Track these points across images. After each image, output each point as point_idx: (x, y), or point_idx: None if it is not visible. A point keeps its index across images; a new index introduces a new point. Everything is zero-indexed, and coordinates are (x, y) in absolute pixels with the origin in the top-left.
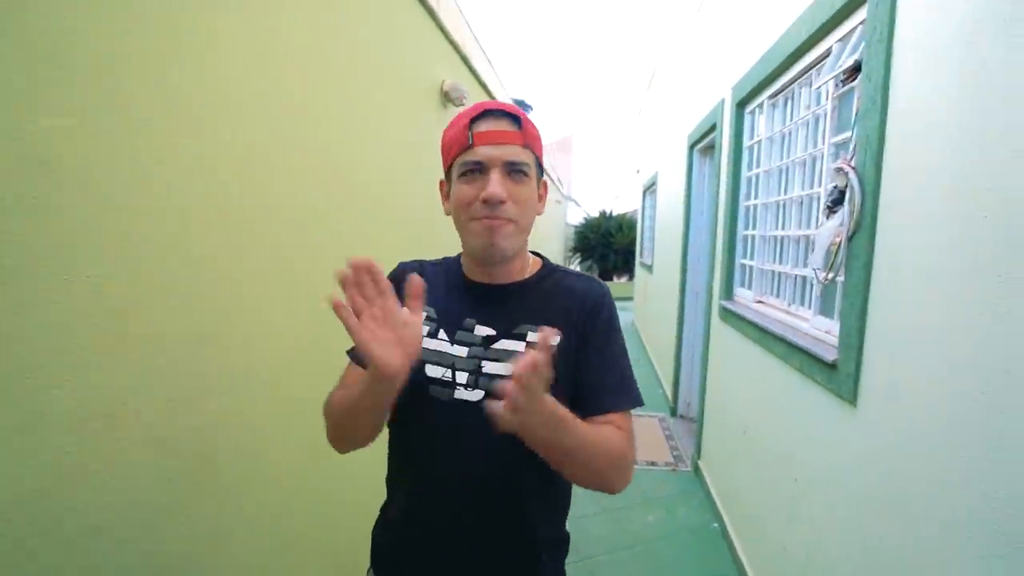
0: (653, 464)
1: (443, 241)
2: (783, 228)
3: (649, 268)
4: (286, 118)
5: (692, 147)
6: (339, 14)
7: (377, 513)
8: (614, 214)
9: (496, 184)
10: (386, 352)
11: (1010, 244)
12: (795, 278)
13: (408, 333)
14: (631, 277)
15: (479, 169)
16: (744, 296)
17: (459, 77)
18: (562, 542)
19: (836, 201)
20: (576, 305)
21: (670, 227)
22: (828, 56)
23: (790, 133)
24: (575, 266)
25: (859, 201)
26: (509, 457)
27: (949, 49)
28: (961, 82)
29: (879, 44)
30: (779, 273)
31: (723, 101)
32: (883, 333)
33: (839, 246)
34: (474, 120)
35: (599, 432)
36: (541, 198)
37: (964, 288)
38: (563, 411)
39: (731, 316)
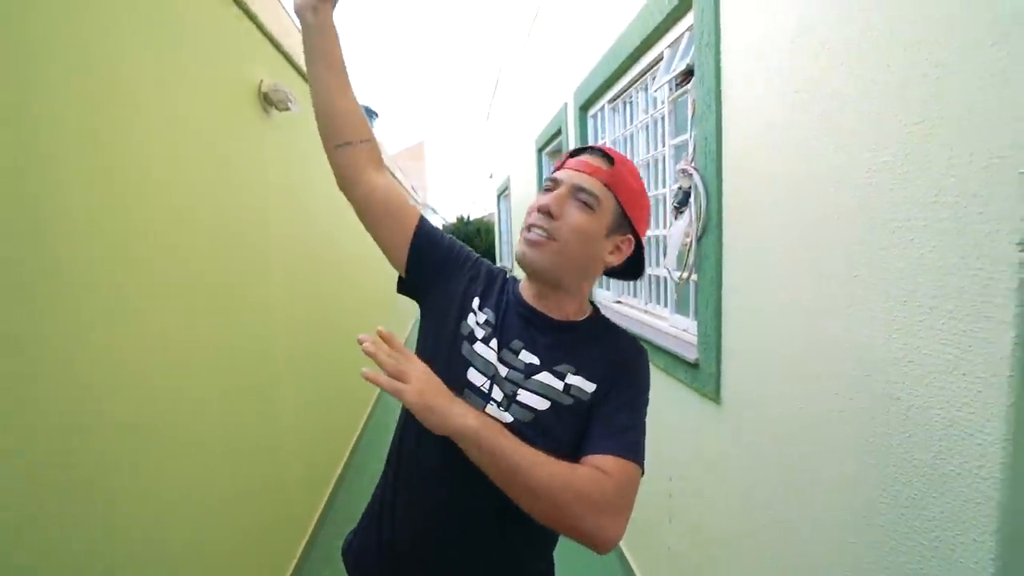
0: None
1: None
2: None
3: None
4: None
5: (540, 151)
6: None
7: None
8: (471, 219)
9: (552, 197)
10: None
11: (864, 244)
12: (649, 278)
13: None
14: None
15: (553, 187)
16: (604, 297)
17: (283, 78)
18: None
19: (682, 202)
20: (614, 358)
21: None
22: (661, 61)
23: (631, 136)
24: None
25: (704, 202)
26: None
27: (779, 51)
28: (794, 86)
29: (708, 49)
30: None
31: (566, 105)
32: (739, 332)
33: (690, 247)
34: (576, 152)
35: (563, 464)
36: (618, 250)
37: (814, 287)
38: (488, 421)
39: None
